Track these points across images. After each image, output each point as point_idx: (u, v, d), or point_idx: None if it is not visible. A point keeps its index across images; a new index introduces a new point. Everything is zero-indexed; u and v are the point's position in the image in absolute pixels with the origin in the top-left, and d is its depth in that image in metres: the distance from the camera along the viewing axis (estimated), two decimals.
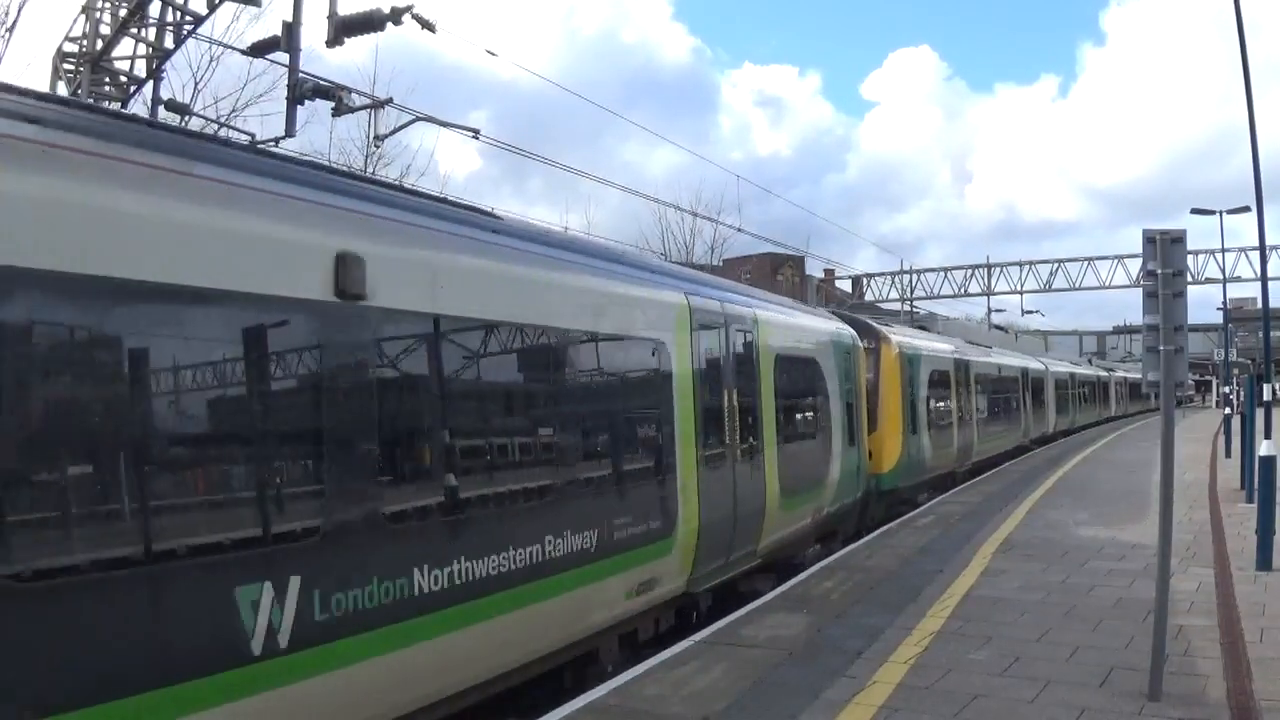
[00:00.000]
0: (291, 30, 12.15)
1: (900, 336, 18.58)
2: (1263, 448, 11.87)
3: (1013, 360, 30.70)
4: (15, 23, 15.52)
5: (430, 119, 15.12)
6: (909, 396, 17.75)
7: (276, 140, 13.92)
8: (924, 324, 33.52)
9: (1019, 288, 53.77)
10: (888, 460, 16.58)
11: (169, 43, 13.49)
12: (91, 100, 12.91)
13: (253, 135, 15.63)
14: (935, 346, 21.50)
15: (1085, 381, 47.52)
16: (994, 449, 25.63)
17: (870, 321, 18.48)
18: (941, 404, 20.56)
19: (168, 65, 14.48)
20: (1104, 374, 55.28)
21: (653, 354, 8.57)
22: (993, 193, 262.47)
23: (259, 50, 13.34)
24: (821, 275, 58.41)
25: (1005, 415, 28.02)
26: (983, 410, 24.68)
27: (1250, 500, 14.37)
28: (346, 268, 5.18)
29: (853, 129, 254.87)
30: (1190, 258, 37.90)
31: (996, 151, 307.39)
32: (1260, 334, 19.69)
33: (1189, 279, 7.39)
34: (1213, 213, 29.93)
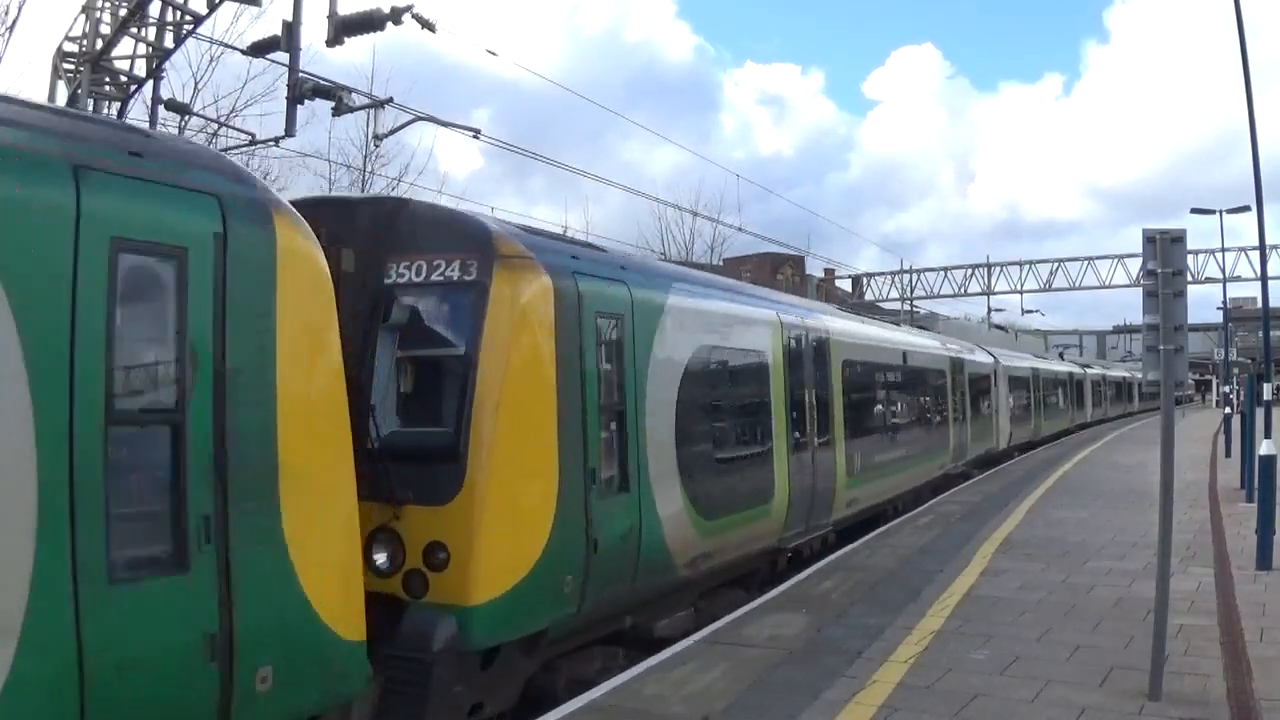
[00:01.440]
0: (291, 30, 12.15)
1: (578, 266, 7.93)
2: (1263, 447, 11.87)
3: (929, 342, 21.31)
4: (15, 21, 15.54)
5: (430, 118, 15.14)
6: (599, 402, 7.75)
7: (276, 140, 13.95)
8: (924, 324, 33.24)
9: (1019, 287, 53.82)
10: (493, 573, 6.69)
11: (169, 42, 13.48)
12: (92, 100, 12.92)
13: (252, 135, 15.67)
14: (717, 306, 10.28)
15: (1054, 380, 38.45)
16: (889, 489, 15.75)
17: (473, 216, 8.16)
18: (738, 417, 10.57)
19: (168, 65, 14.49)
20: (1078, 370, 45.85)
21: None
22: (995, 192, 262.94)
23: (259, 50, 13.34)
24: (822, 275, 58.52)
25: (914, 430, 17.67)
26: (863, 424, 14.59)
27: (1250, 500, 14.38)
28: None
29: (855, 128, 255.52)
30: (1190, 257, 37.85)
31: (999, 150, 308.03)
32: (1260, 334, 19.70)
33: (1189, 279, 7.40)
34: (1213, 212, 29.96)
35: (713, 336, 9.98)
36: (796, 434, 11.64)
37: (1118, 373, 60.34)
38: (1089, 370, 49.22)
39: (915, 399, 18.40)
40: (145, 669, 4.34)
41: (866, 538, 13.55)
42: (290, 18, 12.16)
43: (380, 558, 6.64)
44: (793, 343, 11.86)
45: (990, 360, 26.34)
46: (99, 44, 13.11)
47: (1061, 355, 51.51)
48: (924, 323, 34.62)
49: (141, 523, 4.53)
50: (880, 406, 15.95)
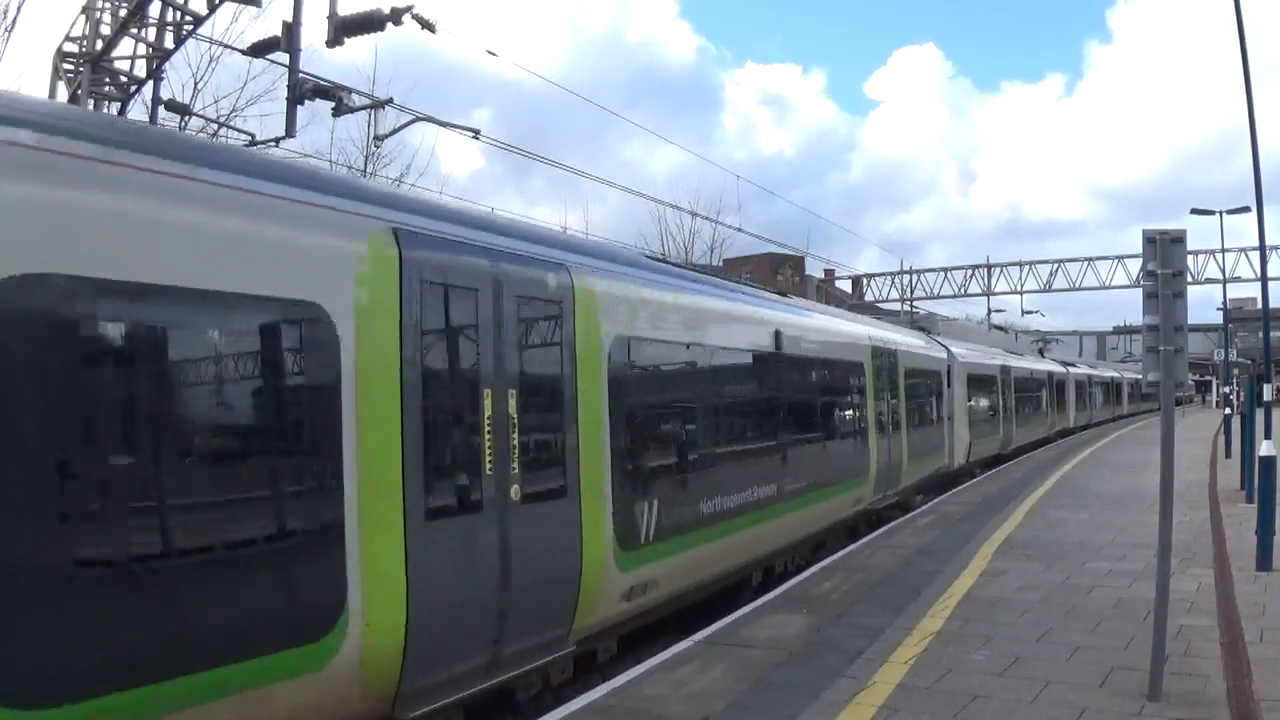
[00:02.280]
0: (291, 30, 12.15)
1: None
2: (1263, 448, 11.87)
3: (827, 322, 14.47)
4: (15, 22, 15.55)
5: (430, 119, 15.13)
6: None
7: (277, 140, 13.95)
8: (924, 324, 32.72)
9: (1019, 288, 53.87)
10: None
11: (169, 43, 13.48)
12: (92, 101, 12.93)
13: (252, 135, 15.68)
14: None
15: (1030, 380, 32.78)
16: (743, 551, 10.27)
17: None
18: (202, 468, 5.03)
19: (168, 65, 14.48)
20: (1059, 369, 40.26)
21: None
22: (998, 192, 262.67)
23: (259, 50, 13.34)
24: (822, 276, 58.58)
25: (799, 453, 11.91)
26: (676, 450, 9.25)
27: (1250, 500, 14.38)
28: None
29: (857, 128, 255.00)
30: (1190, 258, 37.77)
31: (1001, 150, 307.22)
32: (1260, 334, 19.70)
33: (1189, 279, 7.40)
34: (1212, 213, 29.97)
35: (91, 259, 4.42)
36: (445, 484, 6.17)
37: (1105, 372, 57.09)
38: (1072, 369, 44.17)
39: (801, 405, 12.41)
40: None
41: (866, 539, 13.52)
42: (290, 18, 12.17)
43: None
44: (430, 299, 6.16)
45: (941, 354, 20.89)
46: (99, 44, 13.11)
47: (1041, 352, 45.09)
48: (924, 323, 33.99)
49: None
50: (718, 419, 10.11)
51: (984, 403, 25.23)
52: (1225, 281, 38.98)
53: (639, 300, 8.69)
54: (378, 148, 20.91)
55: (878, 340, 16.09)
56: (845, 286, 59.66)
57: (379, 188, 8.79)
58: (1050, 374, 37.40)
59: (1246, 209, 26.81)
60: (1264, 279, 15.75)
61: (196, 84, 19.03)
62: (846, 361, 14.36)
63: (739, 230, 32.71)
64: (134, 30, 13.22)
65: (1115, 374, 58.94)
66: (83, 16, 13.24)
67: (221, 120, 17.96)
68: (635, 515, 8.05)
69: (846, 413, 14.37)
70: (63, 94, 13.29)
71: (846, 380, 14.41)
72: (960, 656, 7.48)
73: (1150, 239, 6.73)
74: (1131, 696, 6.44)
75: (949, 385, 20.86)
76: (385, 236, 5.94)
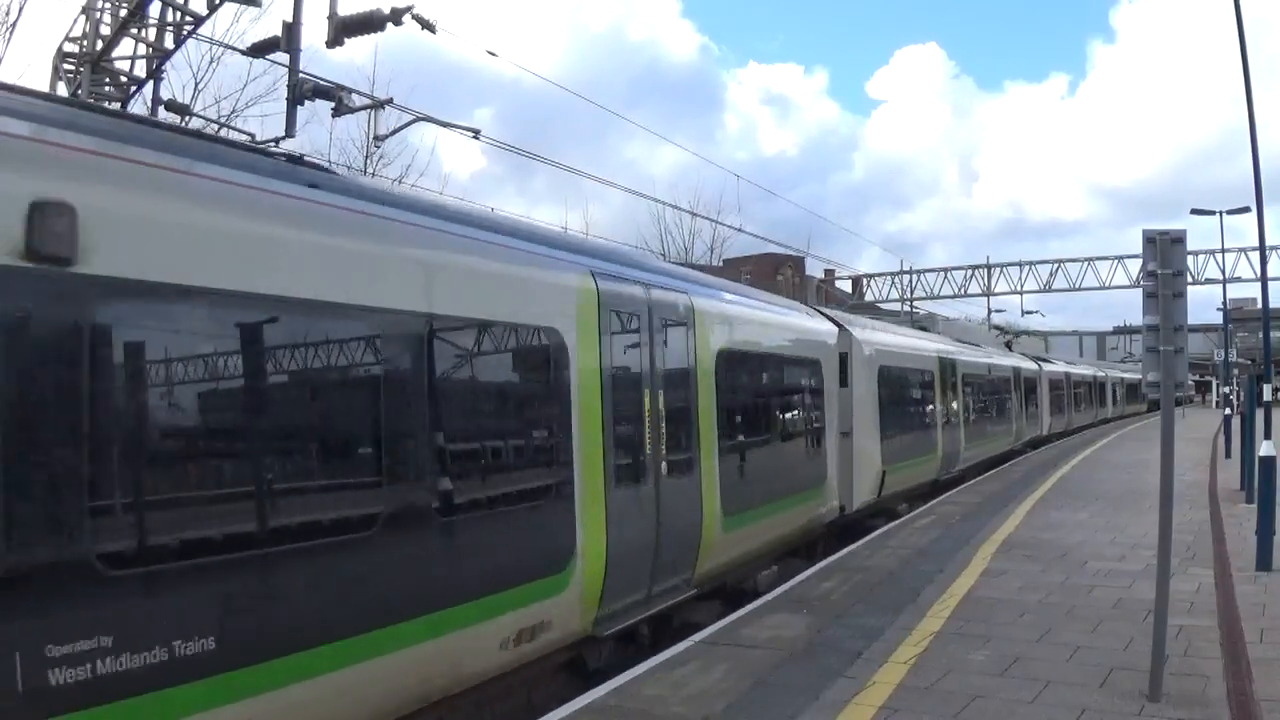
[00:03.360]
0: (291, 30, 12.15)
1: None
2: (1263, 448, 11.87)
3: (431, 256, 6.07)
4: (16, 22, 15.57)
5: (430, 119, 15.11)
6: None
7: (277, 140, 13.94)
8: (924, 324, 32.44)
9: (1019, 288, 53.91)
10: None
11: (169, 43, 13.49)
12: (91, 100, 12.93)
13: (252, 135, 15.67)
14: None
15: (987, 378, 25.84)
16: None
17: None
18: None
19: (168, 65, 14.51)
20: (1030, 366, 33.52)
21: None
22: (1000, 191, 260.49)
23: (259, 50, 13.34)
24: (822, 275, 58.62)
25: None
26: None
27: (1250, 501, 14.38)
28: None
29: (859, 127, 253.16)
30: (1190, 258, 37.81)
31: (1004, 150, 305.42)
32: (1260, 334, 19.69)
33: (1189, 279, 7.40)
34: (1213, 213, 30.00)
35: None
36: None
37: (1086, 370, 50.67)
38: (1046, 365, 37.57)
39: (265, 436, 5.10)
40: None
41: (866, 539, 13.51)
42: (290, 18, 12.17)
43: None
44: None
45: (822, 332, 13.80)
46: (99, 44, 13.13)
47: (1009, 345, 38.50)
48: (924, 323, 33.49)
49: None
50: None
51: (912, 409, 18.65)
52: (1225, 281, 39.05)
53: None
54: (378, 148, 20.96)
55: (625, 286, 8.26)
56: (846, 287, 59.73)
57: None
58: (1017, 370, 30.03)
59: (1246, 209, 26.88)
60: (1264, 279, 15.77)
61: (197, 84, 19.12)
62: (487, 320, 6.66)
63: (739, 230, 32.77)
64: (134, 30, 13.24)
65: (1100, 372, 54.12)
66: (83, 16, 13.25)
67: (222, 121, 17.99)
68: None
69: (492, 441, 6.86)
70: (62, 94, 13.29)
71: (494, 370, 7.11)
72: (960, 657, 7.47)
73: (1150, 239, 6.73)
74: (1131, 697, 6.44)
75: (844, 383, 14.28)
76: None
